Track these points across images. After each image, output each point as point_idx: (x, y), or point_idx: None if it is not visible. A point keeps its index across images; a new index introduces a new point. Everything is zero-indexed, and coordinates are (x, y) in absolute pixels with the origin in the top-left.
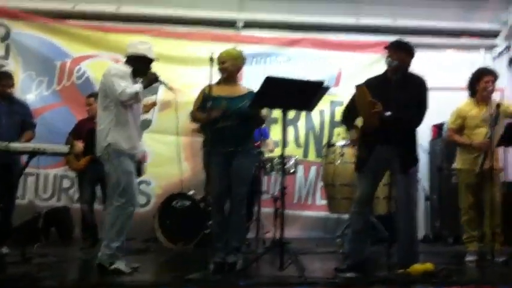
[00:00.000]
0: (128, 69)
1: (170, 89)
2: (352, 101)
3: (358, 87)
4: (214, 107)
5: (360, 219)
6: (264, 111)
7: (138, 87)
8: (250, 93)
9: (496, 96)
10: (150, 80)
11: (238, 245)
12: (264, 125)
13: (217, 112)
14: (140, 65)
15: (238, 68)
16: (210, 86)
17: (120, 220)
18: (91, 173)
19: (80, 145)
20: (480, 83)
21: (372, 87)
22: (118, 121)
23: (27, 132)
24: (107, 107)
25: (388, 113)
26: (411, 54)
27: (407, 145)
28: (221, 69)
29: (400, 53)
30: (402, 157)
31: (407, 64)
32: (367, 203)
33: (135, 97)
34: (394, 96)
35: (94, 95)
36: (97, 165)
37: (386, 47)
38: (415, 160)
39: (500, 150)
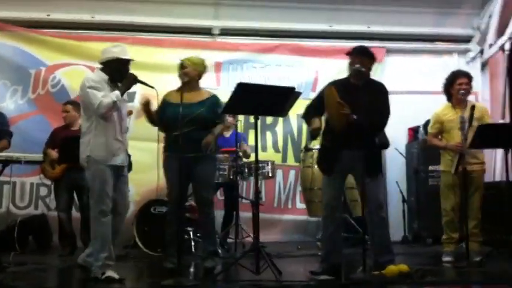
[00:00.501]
0: (104, 77)
1: (151, 87)
2: (318, 99)
3: (328, 87)
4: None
5: (332, 223)
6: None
7: (114, 95)
8: (212, 97)
9: (470, 100)
10: (129, 82)
11: (214, 248)
12: (242, 131)
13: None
14: (117, 69)
15: (199, 74)
16: (169, 92)
17: (100, 231)
18: (67, 181)
19: (53, 153)
20: (454, 85)
21: (338, 90)
22: (98, 132)
23: (2, 140)
24: (89, 117)
25: (355, 117)
26: (373, 60)
27: (372, 149)
28: (182, 74)
29: (363, 58)
30: (369, 161)
31: (370, 69)
32: (337, 207)
33: (114, 106)
34: (359, 101)
35: (71, 102)
36: (73, 173)
37: (348, 53)
38: (380, 164)
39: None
